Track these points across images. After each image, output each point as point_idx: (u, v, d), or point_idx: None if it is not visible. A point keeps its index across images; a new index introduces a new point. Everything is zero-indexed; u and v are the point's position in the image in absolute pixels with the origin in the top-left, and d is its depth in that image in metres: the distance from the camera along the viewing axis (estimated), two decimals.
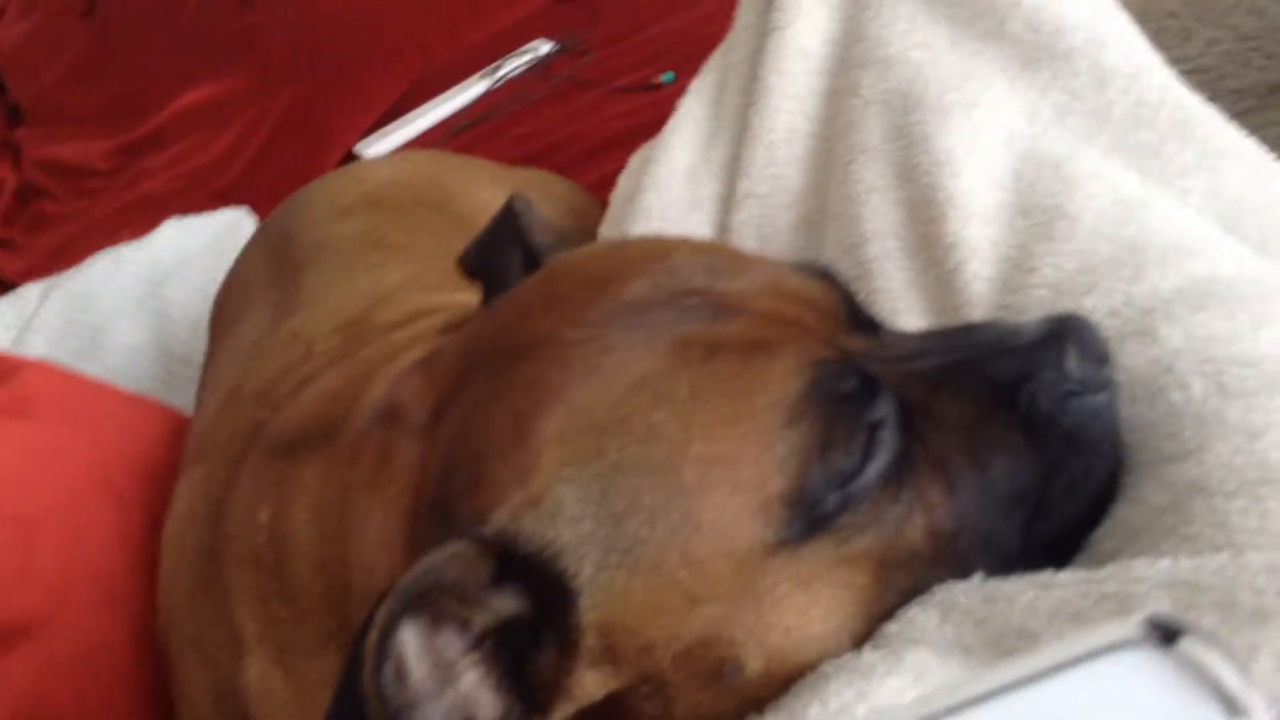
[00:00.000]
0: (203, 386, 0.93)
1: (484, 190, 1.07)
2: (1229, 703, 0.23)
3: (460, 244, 0.93)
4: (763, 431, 0.48)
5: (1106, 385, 0.52)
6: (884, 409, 0.50)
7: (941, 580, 0.50)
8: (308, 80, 1.94)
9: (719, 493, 0.47)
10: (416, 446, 0.55)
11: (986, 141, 0.77)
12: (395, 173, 1.05)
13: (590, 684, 0.49)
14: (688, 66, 1.65)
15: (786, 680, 0.49)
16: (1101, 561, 0.50)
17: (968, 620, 0.46)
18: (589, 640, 0.48)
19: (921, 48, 0.84)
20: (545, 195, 1.13)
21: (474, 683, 0.48)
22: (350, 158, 1.89)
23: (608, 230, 0.98)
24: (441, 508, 0.51)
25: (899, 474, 0.50)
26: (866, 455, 0.49)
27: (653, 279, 0.54)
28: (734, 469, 0.47)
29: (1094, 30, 0.80)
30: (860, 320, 0.56)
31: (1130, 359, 0.57)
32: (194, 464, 0.76)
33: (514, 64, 1.90)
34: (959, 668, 0.45)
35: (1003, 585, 0.47)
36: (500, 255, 0.63)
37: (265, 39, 1.93)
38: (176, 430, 0.99)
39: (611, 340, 0.51)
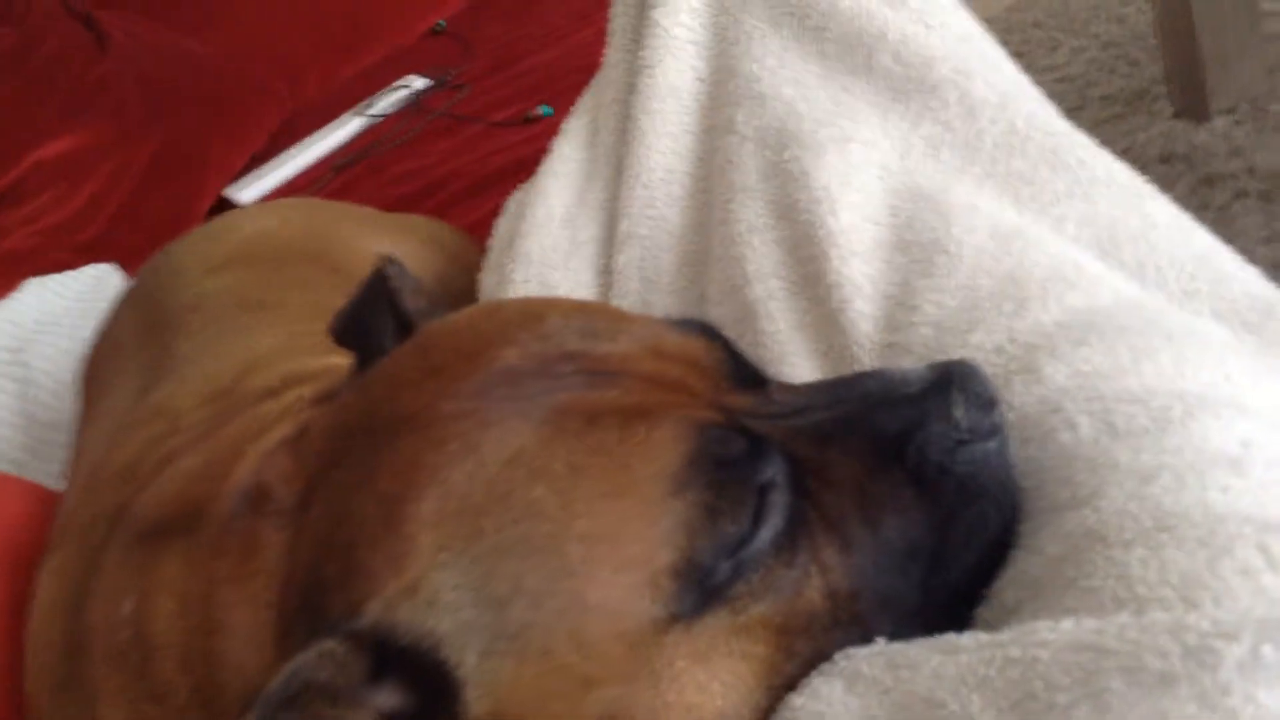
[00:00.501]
0: (71, 462, 0.88)
1: (361, 239, 1.03)
2: None
3: (337, 299, 0.90)
4: (647, 504, 0.46)
5: (996, 431, 0.52)
6: (772, 470, 0.49)
7: (843, 644, 0.49)
8: (172, 126, 1.88)
9: (605, 570, 0.45)
10: (284, 534, 0.52)
11: (861, 177, 0.76)
12: (267, 224, 1.01)
13: None
14: (564, 99, 1.64)
15: None
16: (1005, 614, 0.49)
17: (873, 690, 0.45)
18: None
19: (793, 84, 0.83)
20: (423, 240, 1.11)
21: None
22: (223, 202, 1.83)
23: (488, 276, 0.95)
24: (311, 600, 0.49)
25: (792, 536, 0.48)
26: (757, 520, 0.47)
27: (525, 346, 0.51)
28: (619, 545, 0.45)
29: (961, 60, 0.80)
30: (745, 376, 0.54)
31: (1018, 398, 0.57)
32: (55, 550, 0.71)
33: (389, 99, 1.87)
34: None
35: (906, 651, 0.46)
36: (371, 320, 0.60)
37: (122, 86, 1.86)
38: (41, 507, 0.93)
39: (487, 414, 0.48)
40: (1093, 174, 0.73)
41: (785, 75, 0.84)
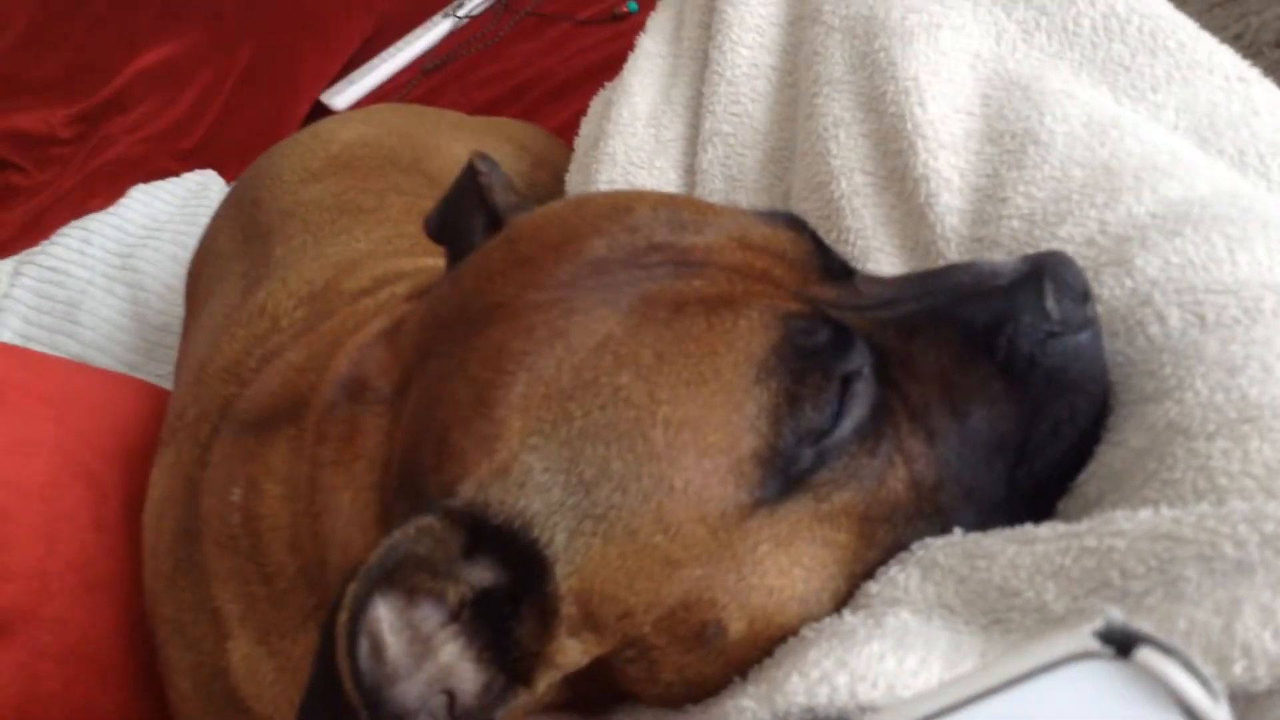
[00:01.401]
0: (179, 363, 0.91)
1: (453, 144, 1.04)
2: (1192, 715, 0.22)
3: (430, 203, 0.91)
4: (731, 391, 0.47)
5: (1089, 324, 0.51)
6: (858, 360, 0.49)
7: (924, 534, 0.49)
8: (266, 32, 1.90)
9: (689, 455, 0.46)
10: (383, 420, 0.53)
11: (952, 65, 0.74)
12: (362, 132, 1.03)
13: (572, 651, 0.48)
14: None
15: (770, 641, 0.48)
16: (1086, 507, 0.49)
17: (949, 579, 0.45)
18: (568, 608, 0.47)
19: None
20: (512, 143, 1.11)
21: (453, 655, 0.47)
22: (319, 107, 1.85)
23: (574, 177, 0.96)
24: (409, 482, 0.50)
25: (877, 426, 0.49)
26: (841, 409, 0.48)
27: (613, 236, 0.52)
28: (703, 431, 0.46)
29: None
30: (831, 268, 0.54)
31: (1107, 291, 0.56)
32: (167, 445, 0.74)
33: (475, 1, 1.86)
34: (941, 628, 0.44)
35: (982, 541, 0.46)
36: (463, 218, 0.61)
37: None
38: (154, 406, 0.97)
39: (574, 302, 0.49)
40: (1193, 58, 0.70)
41: None
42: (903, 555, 0.48)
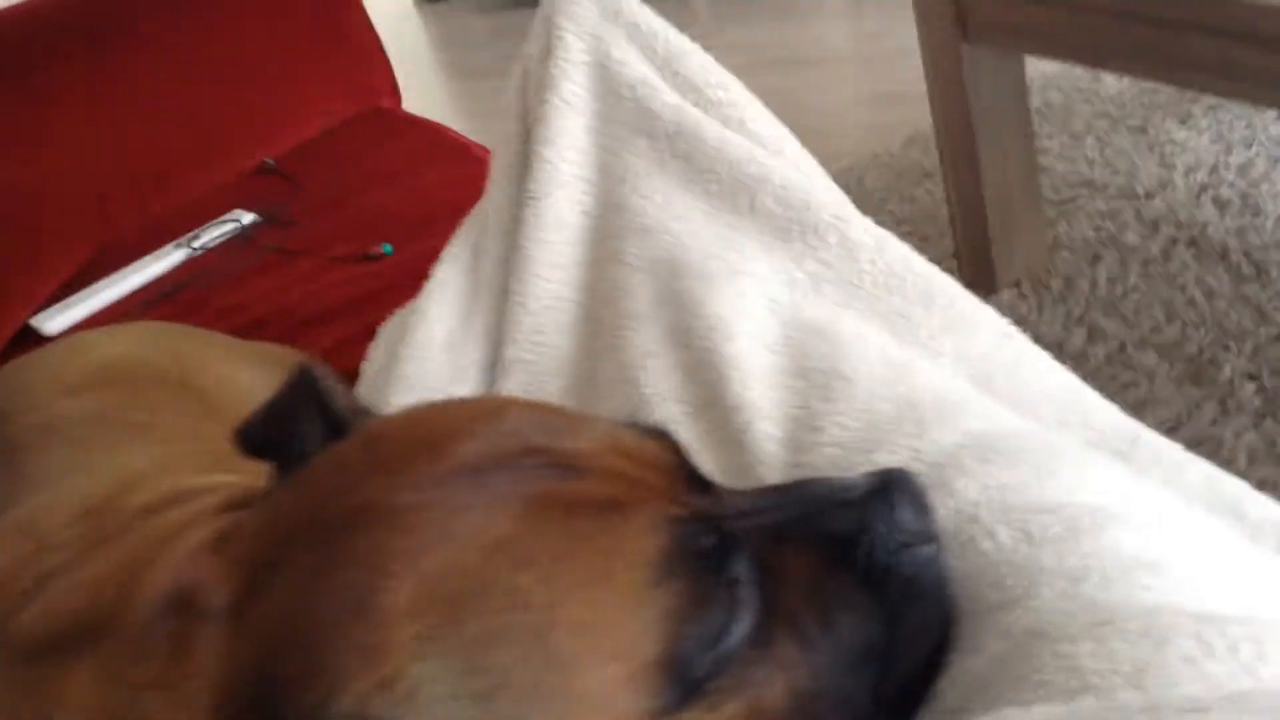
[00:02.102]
0: None
1: (221, 364, 1.00)
2: None
3: (205, 422, 0.87)
4: (631, 593, 0.46)
5: (934, 536, 0.54)
6: (743, 565, 0.49)
7: None
8: None
9: (592, 661, 0.45)
10: (219, 635, 0.49)
11: (753, 307, 0.80)
12: (126, 348, 0.98)
13: None
14: (404, 238, 1.65)
15: None
16: (946, 718, 0.51)
17: None
18: None
19: (680, 219, 0.87)
20: (281, 367, 1.07)
21: None
22: (27, 331, 1.74)
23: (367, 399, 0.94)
24: (262, 701, 0.46)
25: (759, 633, 0.49)
26: (732, 614, 0.48)
27: (486, 439, 0.51)
28: (605, 635, 0.45)
29: (837, 206, 0.86)
30: (697, 478, 0.56)
31: (936, 510, 0.60)
32: None
33: (214, 233, 1.82)
34: None
35: None
36: (290, 426, 0.58)
37: None
38: None
39: (456, 502, 0.48)
40: (963, 313, 0.79)
41: (672, 211, 0.88)
42: None
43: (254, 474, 0.73)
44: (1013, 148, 2.07)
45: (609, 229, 0.90)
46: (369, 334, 1.36)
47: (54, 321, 1.72)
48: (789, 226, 0.85)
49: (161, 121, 2.15)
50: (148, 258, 1.82)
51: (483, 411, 0.54)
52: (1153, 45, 1.59)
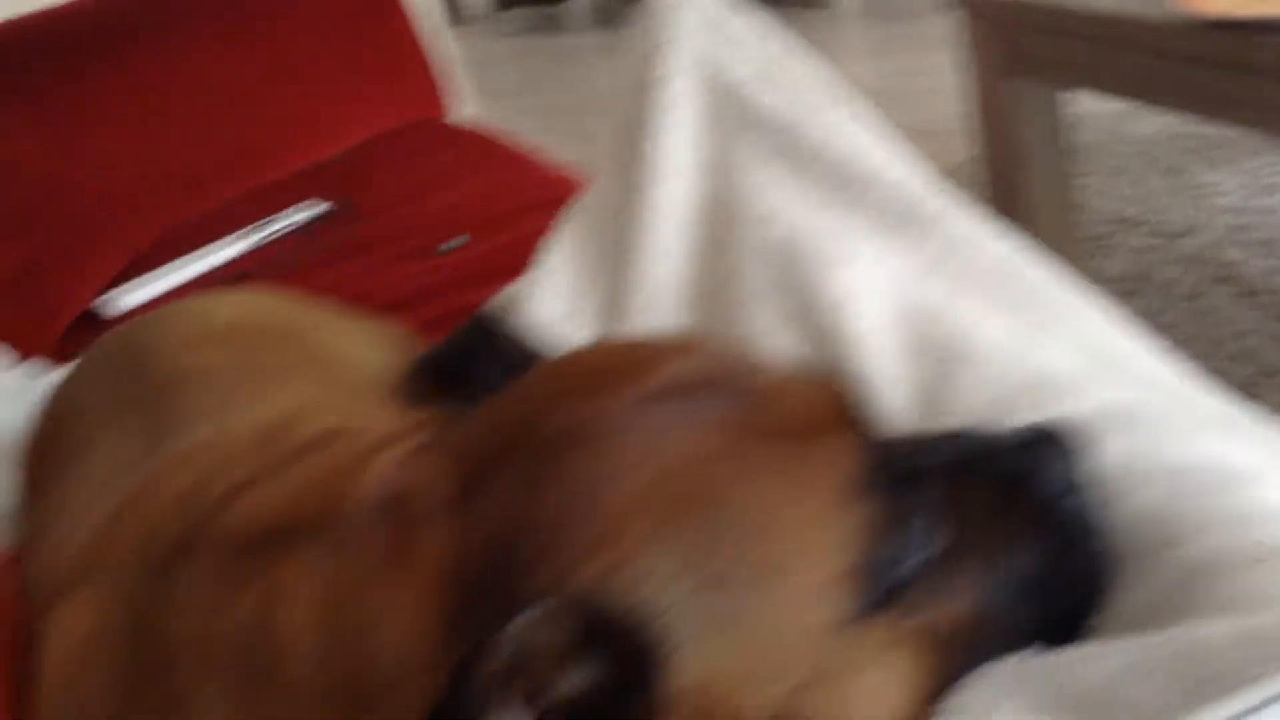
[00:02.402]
0: (47, 517, 0.83)
1: (330, 334, 1.04)
2: None
3: (322, 382, 0.91)
4: (831, 507, 0.51)
5: (1087, 484, 0.58)
6: (929, 491, 0.54)
7: (974, 666, 0.53)
8: (41, 239, 1.84)
9: (798, 564, 0.49)
10: (440, 529, 0.53)
11: (870, 290, 0.84)
12: (249, 308, 1.02)
13: None
14: (479, 232, 1.70)
15: None
16: None
17: (1035, 690, 0.49)
18: (681, 708, 0.48)
19: (791, 209, 0.91)
20: (385, 339, 1.12)
21: None
22: (88, 315, 1.78)
23: None
24: (489, 590, 0.50)
25: (940, 557, 0.53)
26: (918, 535, 0.52)
27: (679, 370, 0.56)
28: (810, 542, 0.50)
29: (945, 204, 0.90)
30: (862, 421, 0.60)
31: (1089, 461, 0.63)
32: (80, 587, 0.68)
33: (283, 222, 1.87)
34: None
35: (1057, 658, 0.51)
36: (475, 364, 0.63)
37: None
38: None
39: (662, 422, 0.52)
40: (1071, 304, 0.83)
41: (781, 201, 0.92)
42: (973, 677, 0.52)
43: (385, 422, 0.77)
44: (1052, 182, 2.13)
45: (719, 218, 0.94)
46: (449, 319, 1.41)
47: (119, 303, 1.76)
48: (897, 220, 0.89)
49: (217, 120, 2.20)
50: (212, 245, 1.86)
51: (670, 346, 0.58)
52: (1197, 84, 1.65)
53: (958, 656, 0.53)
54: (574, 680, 0.47)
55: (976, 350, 0.76)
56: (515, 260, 1.59)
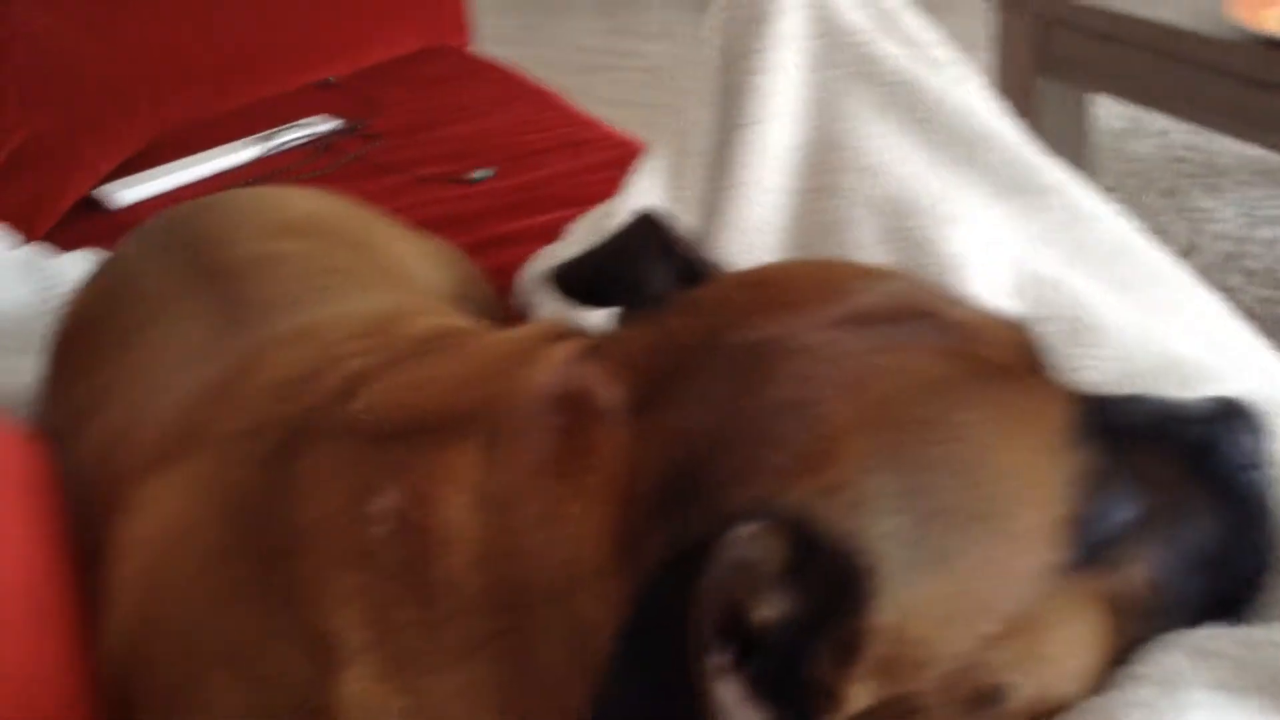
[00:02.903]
0: (99, 395, 0.78)
1: (396, 243, 1.00)
2: None
3: (406, 289, 0.87)
4: (1053, 450, 0.48)
5: (1269, 462, 0.56)
6: (1131, 453, 0.51)
7: (1151, 634, 0.51)
8: (42, 118, 1.76)
9: (1019, 504, 0.47)
10: (620, 433, 0.50)
11: (987, 251, 0.82)
12: (316, 207, 0.98)
13: (860, 696, 0.46)
14: (505, 166, 1.65)
15: (1040, 714, 0.48)
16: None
17: (1225, 664, 0.48)
18: (876, 646, 0.45)
19: (902, 162, 0.89)
20: (442, 256, 1.08)
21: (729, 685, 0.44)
22: (88, 202, 1.71)
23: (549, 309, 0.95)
24: (686, 497, 0.47)
25: (1136, 522, 0.51)
26: (1122, 496, 0.50)
27: (881, 295, 0.53)
28: (1031, 483, 0.47)
29: (1062, 173, 0.88)
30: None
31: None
32: (169, 465, 0.64)
33: (292, 135, 1.80)
34: (1236, 707, 0.46)
35: (1252, 632, 0.49)
36: (632, 270, 0.59)
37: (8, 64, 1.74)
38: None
39: (876, 343, 0.49)
40: (1188, 290, 0.82)
41: (895, 154, 0.89)
42: (1157, 643, 0.50)
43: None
44: None
45: (825, 163, 0.92)
46: (473, 250, 1.37)
47: (122, 195, 1.69)
48: (1012, 185, 0.87)
49: (236, 18, 2.12)
50: (221, 148, 1.79)
51: (869, 271, 0.55)
52: (1246, 103, 1.65)
53: (1139, 623, 0.51)
54: (772, 607, 0.44)
55: (1101, 323, 0.74)
56: (545, 197, 1.57)
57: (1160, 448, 0.54)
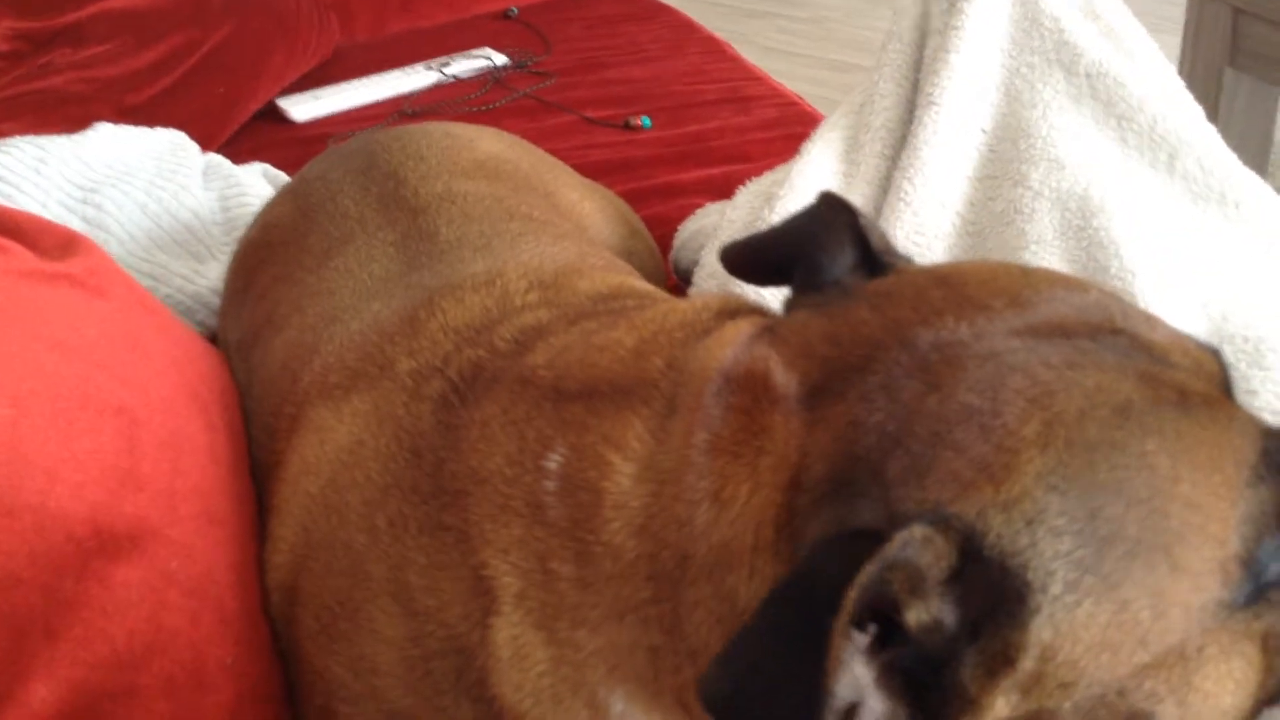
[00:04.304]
0: (286, 309, 0.81)
1: (572, 191, 1.01)
2: None
3: (584, 240, 0.88)
4: (1235, 487, 0.47)
5: None
6: None
7: None
8: (243, 21, 1.81)
9: (1196, 539, 0.46)
10: (795, 419, 0.50)
11: (1172, 262, 0.80)
12: (501, 149, 0.99)
13: (1002, 708, 0.46)
14: (661, 117, 1.65)
15: None
16: None
17: None
18: (1026, 662, 0.45)
19: (1094, 159, 0.87)
20: (614, 208, 1.09)
21: (869, 678, 0.45)
22: (270, 109, 1.76)
23: (709, 259, 0.95)
24: (848, 490, 0.47)
25: None
26: None
27: (1074, 307, 0.52)
28: (1211, 518, 0.46)
29: (1258, 188, 0.85)
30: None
31: None
32: (345, 394, 0.67)
33: (465, 64, 1.83)
34: None
35: None
36: (814, 250, 0.59)
37: None
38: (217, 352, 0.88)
39: (1067, 359, 0.48)
40: None
41: (1084, 148, 0.87)
42: None
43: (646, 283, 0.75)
44: None
45: (1010, 151, 0.90)
46: (635, 197, 1.38)
47: (301, 108, 1.74)
48: (1208, 194, 0.84)
49: None
50: (396, 72, 1.83)
51: (1067, 282, 0.54)
52: None
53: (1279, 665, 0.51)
54: (928, 612, 0.44)
55: None
56: (709, 149, 1.58)
57: None
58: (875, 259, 0.58)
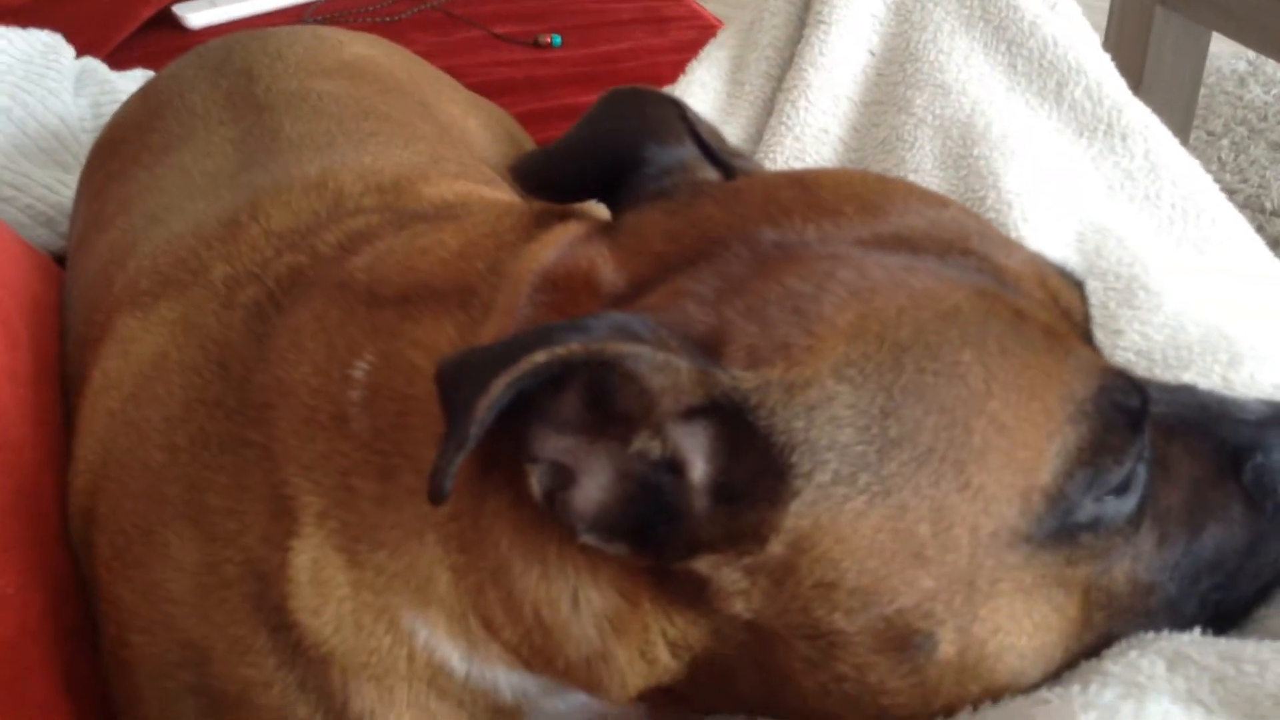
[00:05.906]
0: (113, 209, 0.76)
1: (450, 104, 0.96)
2: None
3: (446, 146, 0.83)
4: (1053, 419, 0.44)
5: None
6: (1145, 442, 0.47)
7: (1124, 633, 0.48)
8: None
9: (999, 460, 0.43)
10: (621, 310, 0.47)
11: (1049, 193, 0.77)
12: (373, 52, 0.94)
13: (733, 589, 0.45)
14: (573, 35, 1.60)
15: (969, 681, 0.45)
16: (1268, 637, 0.49)
17: (1204, 676, 0.44)
18: (776, 546, 0.43)
19: (978, 85, 0.84)
20: (499, 125, 1.04)
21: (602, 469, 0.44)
22: (166, 18, 1.68)
23: None
24: None
25: (1134, 513, 0.47)
26: (1118, 484, 0.46)
27: (928, 222, 0.49)
28: (1016, 444, 0.44)
29: (1149, 120, 0.82)
30: (1094, 341, 0.53)
31: None
32: (154, 301, 0.62)
33: None
34: None
35: (1241, 647, 0.45)
36: (652, 143, 0.54)
37: None
38: (39, 259, 0.82)
39: (905, 264, 0.46)
40: (1261, 259, 0.76)
41: (971, 74, 0.84)
42: (1135, 641, 0.47)
43: (512, 196, 0.71)
44: (1172, 125, 2.03)
45: (897, 75, 0.86)
46: (542, 116, 1.33)
47: (198, 15, 1.66)
48: (1095, 125, 0.81)
49: None
50: None
51: (927, 197, 0.51)
52: None
53: (1119, 618, 0.48)
54: (676, 441, 0.43)
55: (1159, 286, 0.69)
56: (619, 70, 1.52)
57: (1199, 444, 0.50)
58: (713, 155, 0.54)
